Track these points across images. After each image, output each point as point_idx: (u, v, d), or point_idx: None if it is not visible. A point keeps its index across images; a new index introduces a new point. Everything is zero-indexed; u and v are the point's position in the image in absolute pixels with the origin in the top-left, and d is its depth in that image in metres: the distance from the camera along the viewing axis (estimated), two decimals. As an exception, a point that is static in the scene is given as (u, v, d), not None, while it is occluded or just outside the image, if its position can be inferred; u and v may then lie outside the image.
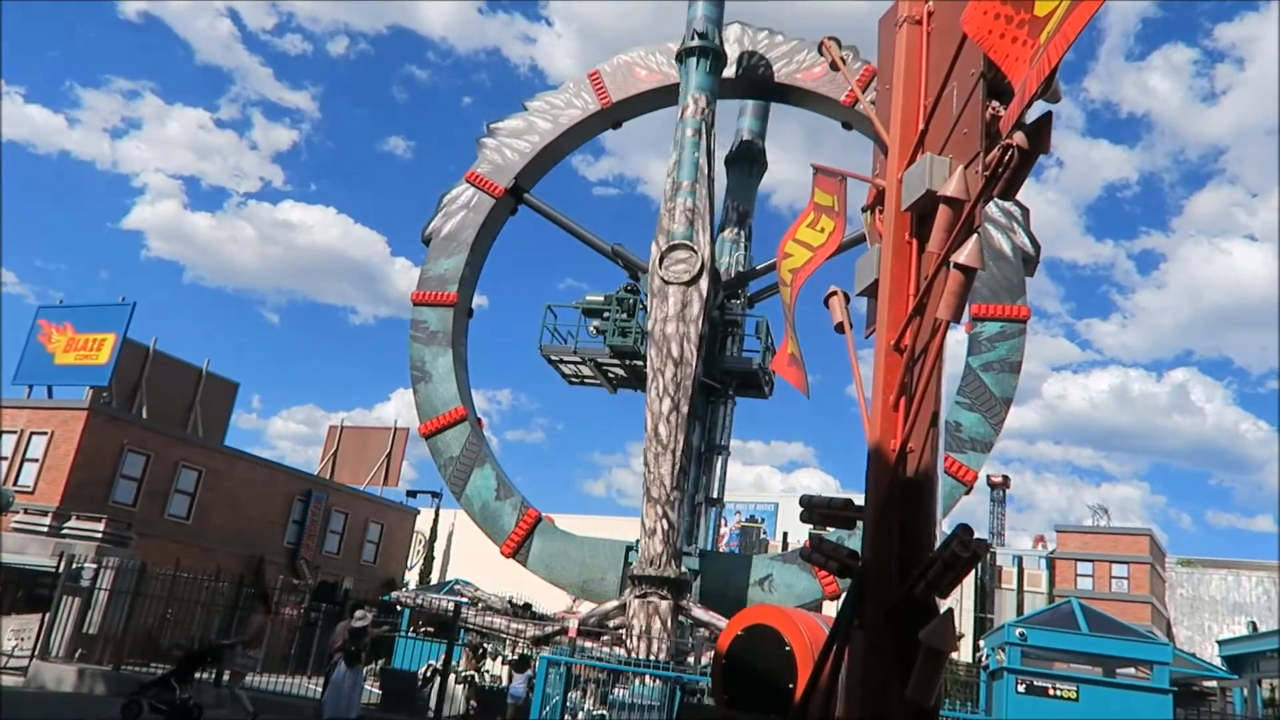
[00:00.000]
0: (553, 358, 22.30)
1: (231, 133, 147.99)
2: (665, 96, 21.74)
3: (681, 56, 20.05)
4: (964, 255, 3.53)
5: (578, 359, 22.01)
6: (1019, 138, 3.39)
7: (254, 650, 16.89)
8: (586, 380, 23.32)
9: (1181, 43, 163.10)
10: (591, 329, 21.65)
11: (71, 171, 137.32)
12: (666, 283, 17.94)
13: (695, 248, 18.13)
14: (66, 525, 24.19)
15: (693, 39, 19.87)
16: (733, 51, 20.99)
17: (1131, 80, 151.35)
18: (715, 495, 21.41)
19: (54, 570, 20.98)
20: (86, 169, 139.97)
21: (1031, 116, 3.52)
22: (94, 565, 21.18)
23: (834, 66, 5.90)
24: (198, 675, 15.10)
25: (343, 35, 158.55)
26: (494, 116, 22.11)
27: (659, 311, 17.92)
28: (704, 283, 17.95)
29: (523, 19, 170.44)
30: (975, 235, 3.66)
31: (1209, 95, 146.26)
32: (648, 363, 18.05)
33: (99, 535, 23.48)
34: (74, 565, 20.83)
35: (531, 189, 22.07)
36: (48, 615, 20.20)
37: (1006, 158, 3.44)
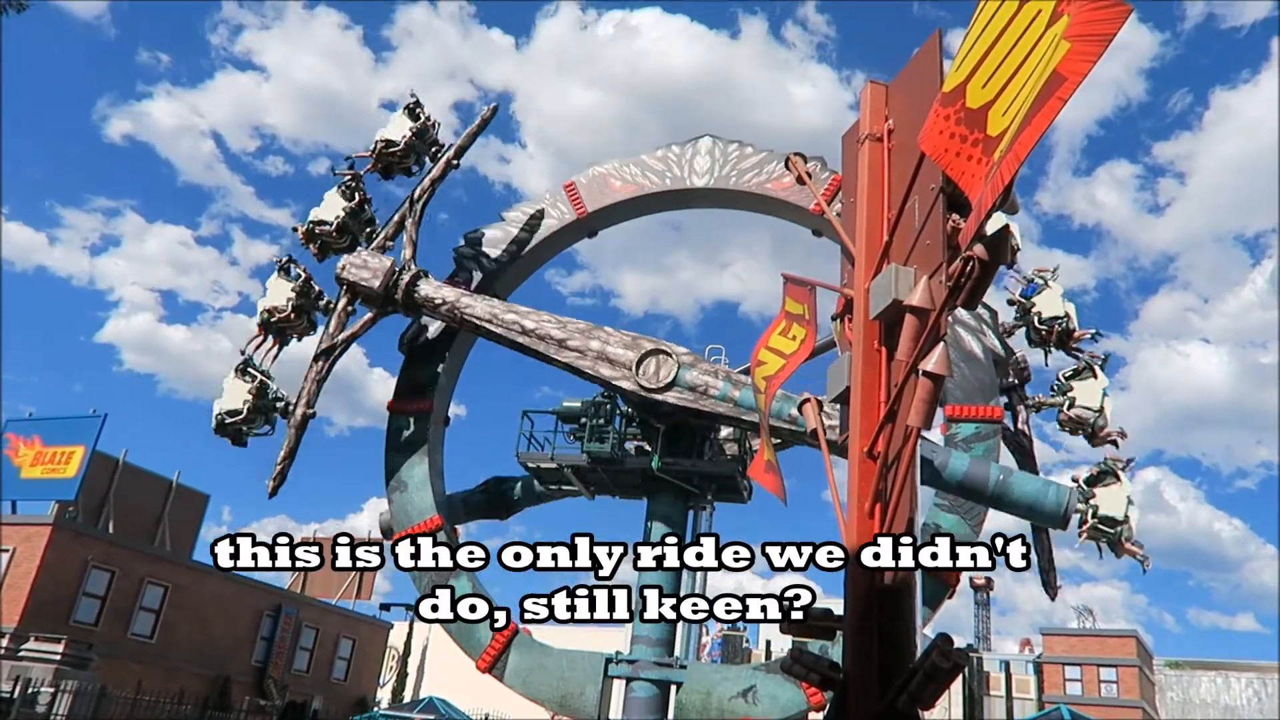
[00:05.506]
0: (530, 464, 22.11)
1: (212, 249, 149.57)
2: (639, 206, 22.24)
3: None
4: (931, 363, 3.60)
5: (555, 465, 21.82)
6: (979, 250, 3.50)
7: None
8: (564, 487, 23.09)
9: (1125, 159, 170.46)
10: (568, 435, 21.56)
11: (47, 287, 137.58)
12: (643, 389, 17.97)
13: (670, 353, 18.25)
14: (24, 647, 23.28)
15: None
16: (704, 163, 21.60)
17: (1080, 194, 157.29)
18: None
19: (9, 695, 20.09)
20: (62, 285, 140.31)
21: (993, 227, 3.65)
22: (51, 689, 20.32)
23: (800, 181, 6.10)
24: None
25: (324, 156, 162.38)
26: (470, 231, 22.44)
27: None
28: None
29: (498, 141, 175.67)
30: (942, 343, 3.74)
31: (1154, 207, 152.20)
32: None
33: (58, 657, 22.59)
34: (30, 690, 19.97)
35: (508, 298, 22.25)
36: (-1, 744, 19.26)
37: (968, 269, 3.55)
